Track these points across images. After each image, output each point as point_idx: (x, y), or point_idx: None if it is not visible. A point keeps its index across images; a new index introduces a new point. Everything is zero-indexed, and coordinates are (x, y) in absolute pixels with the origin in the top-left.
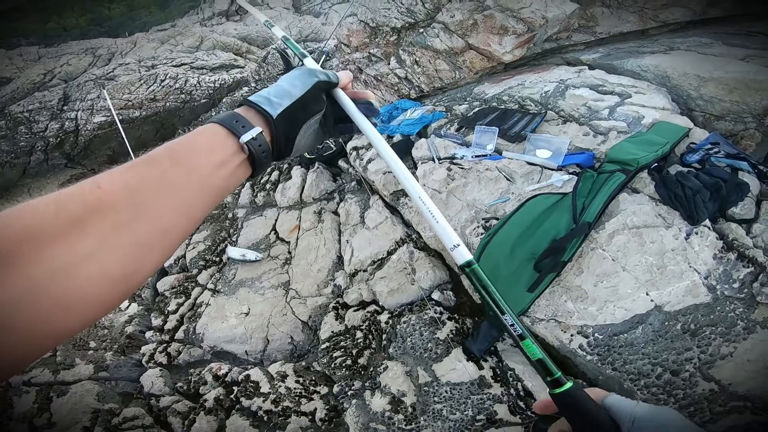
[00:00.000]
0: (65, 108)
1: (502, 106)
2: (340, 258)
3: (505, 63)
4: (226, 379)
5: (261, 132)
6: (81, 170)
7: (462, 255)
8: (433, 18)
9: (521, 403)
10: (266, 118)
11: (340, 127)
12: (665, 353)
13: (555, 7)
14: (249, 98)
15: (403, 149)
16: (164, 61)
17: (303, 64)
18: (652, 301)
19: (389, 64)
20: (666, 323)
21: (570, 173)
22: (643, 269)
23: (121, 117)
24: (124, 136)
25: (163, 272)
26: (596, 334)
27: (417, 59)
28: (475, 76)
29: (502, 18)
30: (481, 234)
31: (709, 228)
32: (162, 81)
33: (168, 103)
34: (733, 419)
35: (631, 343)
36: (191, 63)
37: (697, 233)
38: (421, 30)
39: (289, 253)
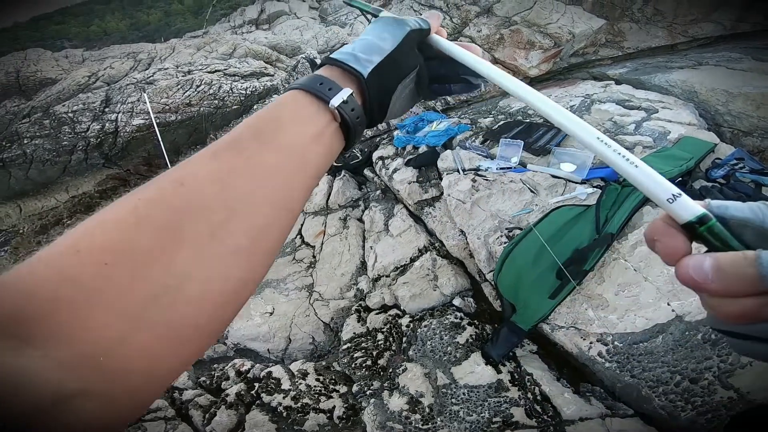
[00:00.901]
0: (106, 110)
1: (527, 120)
2: (363, 263)
3: (531, 77)
4: (248, 375)
5: (352, 93)
6: (117, 170)
7: (687, 208)
8: (461, 32)
9: (538, 407)
10: (356, 77)
11: (434, 87)
12: (684, 362)
13: (582, 22)
14: (331, 56)
15: (429, 160)
16: (200, 67)
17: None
18: (673, 311)
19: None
20: (686, 333)
21: (594, 186)
22: (665, 280)
23: (158, 120)
24: (160, 139)
25: None
26: (616, 342)
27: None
28: (500, 89)
29: (529, 33)
30: (504, 243)
31: None
32: (197, 86)
33: (202, 108)
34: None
35: (650, 351)
36: (224, 70)
37: None
38: None
39: (314, 257)
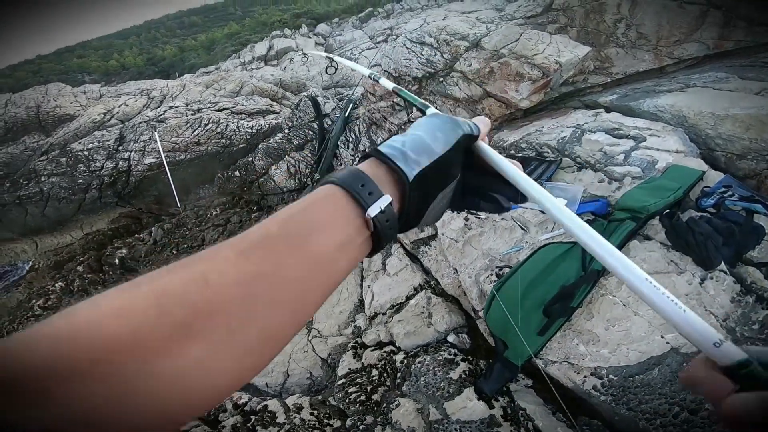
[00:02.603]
0: (120, 148)
1: (520, 154)
2: (361, 301)
3: (523, 109)
4: (245, 408)
5: (390, 203)
6: (129, 209)
7: (730, 353)
8: (452, 67)
9: None
10: (400, 178)
11: (468, 201)
12: (683, 393)
13: (568, 51)
14: (379, 147)
15: None
16: (208, 105)
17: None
18: (667, 343)
19: (411, 113)
20: (684, 364)
21: (584, 221)
22: (656, 314)
23: (168, 159)
24: (170, 178)
25: None
26: (610, 376)
27: (438, 108)
28: (494, 123)
29: (517, 65)
30: (494, 281)
31: (725, 272)
32: (206, 125)
33: (210, 147)
34: None
35: (647, 383)
36: (232, 108)
37: (712, 278)
38: (441, 79)
39: None
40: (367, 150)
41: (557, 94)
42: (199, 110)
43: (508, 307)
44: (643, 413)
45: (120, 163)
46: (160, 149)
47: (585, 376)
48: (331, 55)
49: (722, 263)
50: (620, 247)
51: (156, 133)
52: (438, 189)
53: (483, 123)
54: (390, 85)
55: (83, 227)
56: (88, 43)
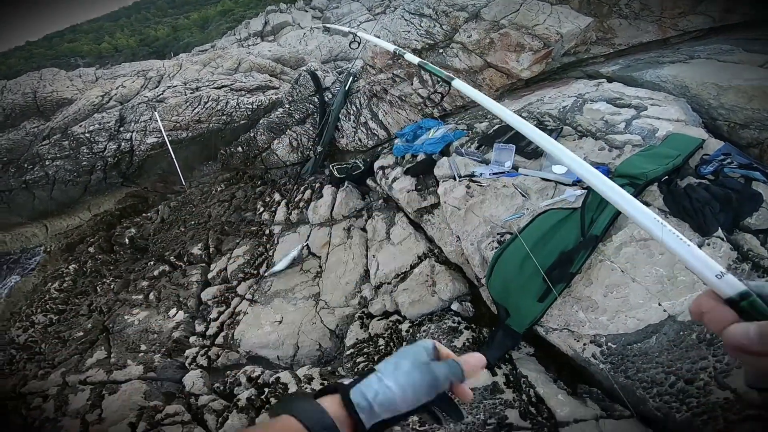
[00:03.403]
0: (121, 129)
1: None
2: (366, 271)
3: (524, 79)
4: (258, 381)
5: None
6: (135, 188)
7: (732, 285)
8: (452, 38)
9: (532, 409)
10: (357, 425)
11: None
12: (679, 362)
13: (569, 22)
14: (351, 392)
15: (426, 168)
16: (207, 83)
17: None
18: (665, 311)
19: (412, 84)
20: (681, 333)
21: (584, 188)
22: (654, 280)
23: (170, 138)
24: (173, 157)
25: (207, 283)
26: (609, 343)
27: (439, 79)
28: (495, 93)
29: (518, 35)
30: (496, 248)
31: (722, 239)
32: (205, 103)
33: (211, 125)
34: (747, 427)
35: (645, 352)
36: (231, 85)
37: (709, 244)
38: (441, 50)
39: (320, 267)
40: (368, 122)
41: (559, 64)
42: (197, 89)
43: (509, 273)
44: (640, 382)
45: (122, 143)
46: (162, 128)
47: (584, 344)
48: (354, 30)
49: (719, 230)
50: (619, 213)
51: (156, 113)
52: (396, 422)
53: (472, 364)
54: (415, 60)
55: (91, 208)
56: (78, 27)
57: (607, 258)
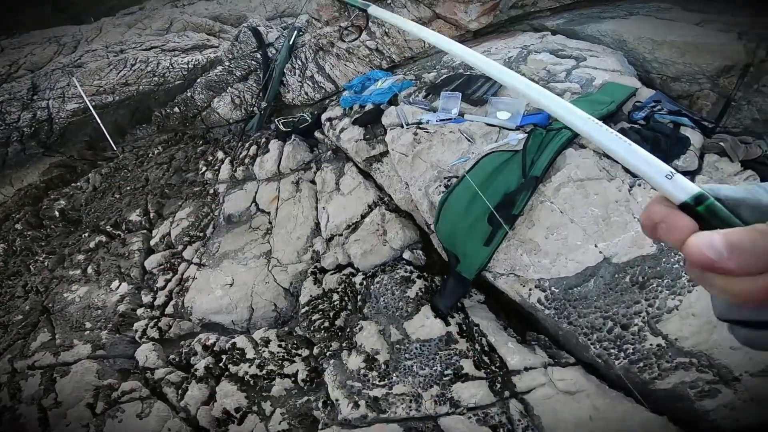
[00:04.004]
0: (35, 98)
1: (468, 73)
2: (317, 225)
3: (472, 31)
4: (214, 348)
5: None
6: (60, 158)
7: (684, 187)
8: None
9: (485, 358)
10: None
11: None
12: (615, 306)
13: None
14: None
15: (374, 117)
16: (133, 45)
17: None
18: (600, 252)
19: (359, 36)
20: (616, 275)
21: (526, 132)
22: (590, 221)
23: (93, 103)
24: (99, 122)
25: (150, 251)
26: (552, 288)
27: (386, 31)
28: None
29: None
30: (443, 192)
31: None
32: (132, 65)
33: (141, 87)
34: (679, 376)
35: (584, 296)
36: (162, 46)
37: (639, 185)
38: (389, 2)
39: (270, 223)
40: (314, 76)
41: (506, 17)
42: (122, 51)
43: (456, 217)
44: (581, 328)
45: (38, 112)
46: (82, 93)
47: (530, 289)
48: None
49: None
50: (557, 153)
51: (74, 78)
52: None
53: None
54: None
55: (13, 182)
56: None
57: (548, 199)
